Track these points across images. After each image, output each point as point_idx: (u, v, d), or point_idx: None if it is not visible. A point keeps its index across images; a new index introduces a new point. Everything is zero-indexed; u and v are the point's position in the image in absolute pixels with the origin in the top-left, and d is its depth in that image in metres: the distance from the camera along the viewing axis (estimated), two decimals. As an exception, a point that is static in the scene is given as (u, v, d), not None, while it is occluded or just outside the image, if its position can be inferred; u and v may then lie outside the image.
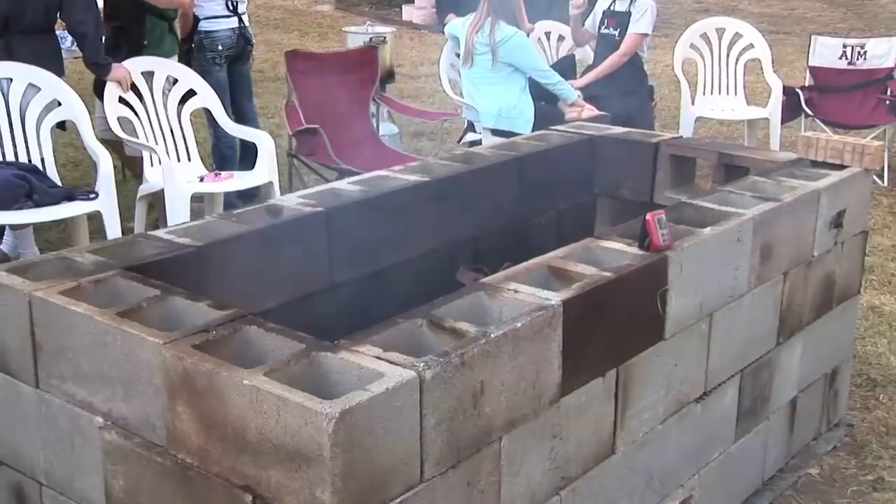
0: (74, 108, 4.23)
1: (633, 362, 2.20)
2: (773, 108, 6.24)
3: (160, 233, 2.37)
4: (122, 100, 4.49)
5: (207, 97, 4.73)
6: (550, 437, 2.00)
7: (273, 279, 2.45)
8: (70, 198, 4.04)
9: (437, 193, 2.85)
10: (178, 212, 4.18)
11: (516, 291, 2.01)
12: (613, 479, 2.21)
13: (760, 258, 2.57)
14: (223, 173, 4.59)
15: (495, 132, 5.52)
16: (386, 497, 1.65)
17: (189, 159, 4.68)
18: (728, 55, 6.57)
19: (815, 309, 2.89)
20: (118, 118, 4.46)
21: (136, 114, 4.55)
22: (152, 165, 4.51)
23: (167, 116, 4.64)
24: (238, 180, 4.53)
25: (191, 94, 4.72)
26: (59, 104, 4.24)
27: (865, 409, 3.43)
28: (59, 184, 4.24)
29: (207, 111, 4.82)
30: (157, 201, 4.53)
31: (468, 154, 3.17)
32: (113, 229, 4.01)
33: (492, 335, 1.80)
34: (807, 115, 6.33)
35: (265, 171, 4.49)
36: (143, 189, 4.50)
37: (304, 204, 2.58)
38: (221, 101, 4.77)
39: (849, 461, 3.11)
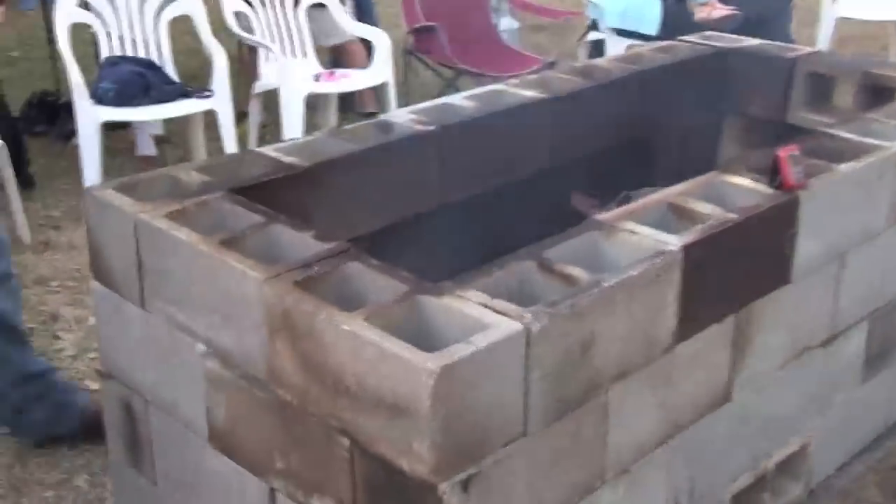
0: (192, 2, 4.19)
1: (755, 307, 2.07)
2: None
3: (268, 150, 2.31)
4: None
5: (325, -8, 4.64)
6: (663, 385, 1.91)
7: (382, 199, 2.38)
8: (186, 95, 4.03)
9: (555, 111, 2.71)
10: (293, 112, 4.14)
11: (633, 232, 1.89)
12: (727, 427, 2.11)
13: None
14: (338, 71, 4.52)
15: (620, 32, 5.30)
16: (487, 450, 1.59)
17: (305, 55, 4.62)
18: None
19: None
20: (234, 13, 4.41)
21: (251, 5, 4.49)
22: (267, 61, 4.46)
23: (283, 11, 4.57)
24: (353, 79, 4.46)
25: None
26: (177, -3, 4.21)
27: None
28: (176, 79, 4.24)
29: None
30: (271, 99, 4.50)
31: (588, 67, 3.01)
32: (228, 128, 4.00)
33: (605, 284, 1.70)
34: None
35: (380, 70, 4.40)
36: (259, 87, 4.46)
37: (416, 121, 2.48)
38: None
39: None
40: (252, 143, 4.50)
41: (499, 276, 1.74)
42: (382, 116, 2.55)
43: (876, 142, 2.35)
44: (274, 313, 1.69)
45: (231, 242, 1.85)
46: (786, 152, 2.06)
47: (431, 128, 2.45)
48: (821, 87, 3.14)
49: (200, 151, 4.26)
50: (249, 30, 4.42)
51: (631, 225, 1.92)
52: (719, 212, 1.98)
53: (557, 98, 2.72)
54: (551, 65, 5.43)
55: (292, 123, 4.08)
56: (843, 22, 6.11)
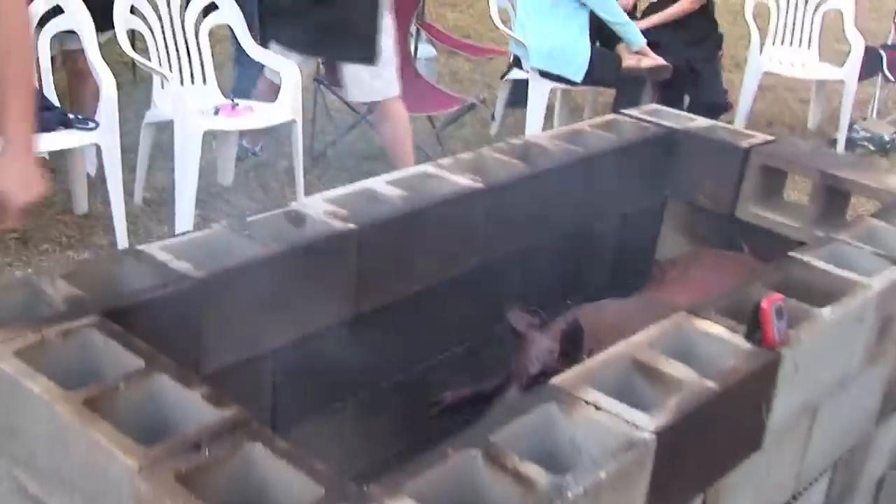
0: (77, 17, 3.73)
1: (725, 482, 1.78)
2: (851, 70, 5.66)
3: (155, 249, 1.92)
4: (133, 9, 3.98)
5: (229, 11, 4.21)
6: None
7: (290, 311, 2.02)
8: (66, 124, 3.57)
9: (490, 202, 2.39)
10: (188, 149, 3.71)
11: (597, 408, 1.57)
12: None
13: (878, 336, 2.13)
14: (242, 104, 4.10)
15: (543, 74, 5.02)
16: None
17: (204, 82, 4.19)
18: (806, 2, 5.98)
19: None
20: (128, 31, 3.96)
21: (147, 23, 4.05)
22: (163, 88, 4.02)
23: (183, 31, 4.13)
24: (257, 115, 4.05)
25: (212, 7, 4.21)
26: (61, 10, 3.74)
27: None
28: (57, 104, 3.77)
29: (230, 28, 4.31)
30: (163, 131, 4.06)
31: (527, 146, 2.68)
32: (113, 167, 3.55)
33: (569, 493, 1.38)
34: (887, 80, 5.77)
35: (288, 106, 4.00)
36: (150, 116, 4.02)
37: (333, 215, 2.12)
38: (247, 19, 4.25)
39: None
40: (138, 187, 4.07)
41: (437, 474, 1.40)
42: (294, 205, 2.17)
43: (855, 276, 2.08)
44: (148, 518, 1.31)
45: (100, 402, 1.46)
46: (769, 303, 1.77)
47: (351, 226, 2.09)
48: (772, 178, 2.89)
49: (82, 197, 3.81)
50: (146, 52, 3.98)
51: (593, 395, 1.59)
52: (694, 377, 1.67)
53: (494, 190, 2.38)
54: (472, 106, 5.12)
55: (187, 166, 3.66)
56: (766, 76, 5.95)
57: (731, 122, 5.21)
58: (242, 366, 1.97)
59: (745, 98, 5.73)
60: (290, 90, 3.96)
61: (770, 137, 2.96)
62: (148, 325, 1.70)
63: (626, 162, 2.78)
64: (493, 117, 5.52)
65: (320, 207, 2.16)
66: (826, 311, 1.94)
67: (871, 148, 6.11)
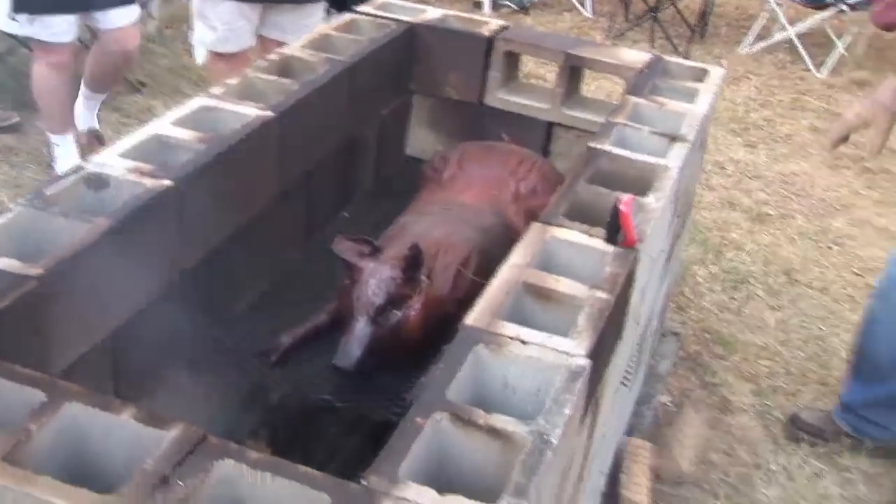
0: None
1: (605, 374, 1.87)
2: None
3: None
4: None
5: None
6: None
7: (121, 289, 1.82)
8: None
9: (280, 130, 2.25)
10: None
11: (523, 342, 1.57)
12: None
13: (675, 208, 2.30)
14: None
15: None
16: None
17: None
18: None
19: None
20: None
21: None
22: None
23: None
24: None
25: None
26: None
27: (679, 310, 3.37)
28: None
29: None
30: None
31: (286, 61, 2.54)
32: None
33: (550, 438, 1.39)
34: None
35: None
36: None
37: (139, 171, 1.91)
38: None
39: (690, 378, 3.04)
40: None
41: (420, 450, 1.35)
42: (89, 167, 1.92)
43: (655, 160, 2.21)
44: (144, 573, 1.16)
45: (19, 453, 1.26)
46: (627, 205, 1.85)
47: (167, 182, 1.90)
48: (513, 62, 2.96)
49: None
50: None
51: (512, 329, 1.59)
52: (585, 291, 1.72)
53: (283, 115, 2.25)
54: None
55: None
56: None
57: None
58: (90, 354, 1.76)
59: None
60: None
61: (505, 23, 3.02)
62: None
63: (377, 63, 2.73)
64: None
65: (119, 165, 1.93)
66: (651, 200, 2.05)
67: (514, 7, 6.40)
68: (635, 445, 2.59)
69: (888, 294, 2.72)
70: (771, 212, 4.25)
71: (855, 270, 3.86)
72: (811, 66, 6.07)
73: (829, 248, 4.03)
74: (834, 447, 2.85)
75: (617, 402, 2.20)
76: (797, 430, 2.90)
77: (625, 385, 2.27)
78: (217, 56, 3.64)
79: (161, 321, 1.94)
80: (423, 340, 2.11)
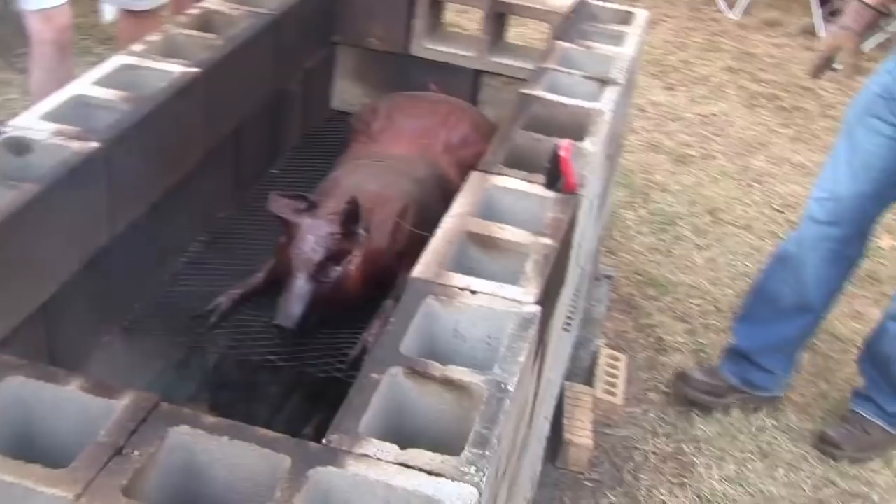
0: None
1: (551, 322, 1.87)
2: None
3: None
4: None
5: None
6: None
7: (49, 256, 1.76)
8: None
9: (208, 87, 2.19)
10: None
11: (472, 291, 1.56)
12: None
13: (609, 159, 2.30)
14: None
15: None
16: None
17: None
18: None
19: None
20: None
21: None
22: None
23: None
24: None
25: None
26: None
27: (610, 253, 3.40)
28: None
29: None
30: None
31: (208, 15, 2.46)
32: None
33: (507, 386, 1.38)
34: None
35: None
36: None
37: (63, 134, 1.84)
38: None
39: (626, 322, 3.07)
40: None
41: (377, 406, 1.33)
42: (9, 131, 1.84)
43: (587, 104, 2.21)
44: (104, 546, 1.13)
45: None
46: (567, 151, 1.84)
47: (94, 144, 1.83)
48: (436, 9, 2.93)
49: None
50: None
51: (460, 280, 1.58)
52: (529, 237, 1.71)
53: (209, 71, 2.18)
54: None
55: None
56: None
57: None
58: (22, 326, 1.70)
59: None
60: None
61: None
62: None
63: (300, 15, 2.66)
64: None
65: (42, 128, 1.86)
66: (588, 144, 2.05)
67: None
68: (576, 391, 2.62)
69: (802, 239, 2.71)
70: (693, 153, 4.30)
71: (776, 207, 3.93)
72: (724, 8, 6.14)
73: (751, 185, 4.10)
74: (731, 401, 2.80)
75: (559, 348, 2.21)
76: (688, 389, 2.81)
77: (566, 330, 2.28)
78: (128, 14, 3.52)
79: (93, 287, 1.89)
80: (363, 295, 2.10)
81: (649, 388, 2.84)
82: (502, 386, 1.37)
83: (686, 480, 2.52)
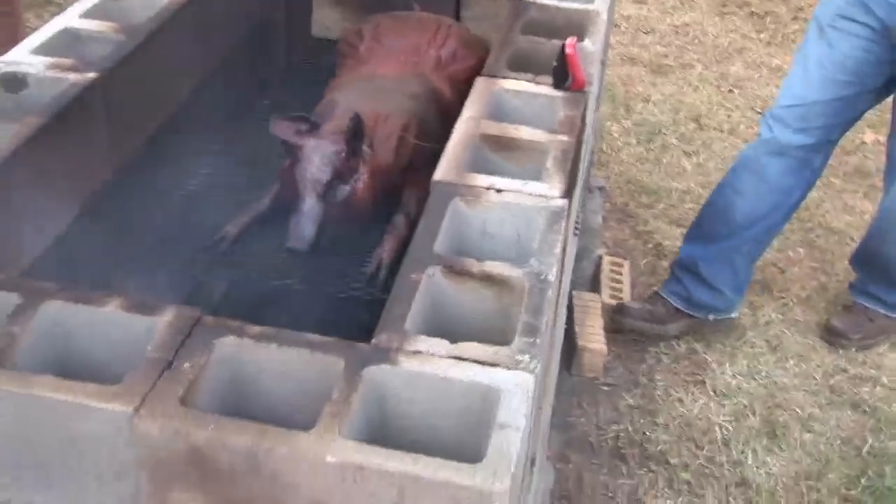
0: None
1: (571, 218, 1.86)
2: None
3: None
4: None
5: None
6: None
7: (56, 194, 1.72)
8: None
9: (198, 14, 2.14)
10: None
11: (498, 190, 1.55)
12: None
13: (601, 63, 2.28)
14: None
15: None
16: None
17: None
18: None
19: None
20: None
21: None
22: None
23: None
24: None
25: None
26: None
27: (601, 165, 3.39)
28: None
29: None
30: None
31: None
32: None
33: (548, 276, 1.37)
34: None
35: None
36: None
37: (58, 67, 1.79)
38: None
39: (623, 231, 3.07)
40: None
41: (420, 305, 1.32)
42: (4, 67, 1.79)
43: (581, 5, 2.18)
44: (167, 456, 1.12)
45: (7, 356, 1.19)
46: (573, 48, 1.81)
47: (92, 75, 1.79)
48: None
49: None
50: None
51: (483, 180, 1.57)
52: (545, 135, 1.70)
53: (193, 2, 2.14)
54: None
55: None
56: None
57: None
58: (34, 264, 1.67)
59: None
60: None
61: None
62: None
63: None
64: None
65: (35, 62, 1.81)
66: (588, 44, 2.03)
67: None
68: (584, 299, 2.62)
69: (766, 146, 2.60)
70: (670, 63, 4.28)
71: (757, 110, 3.93)
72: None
73: (731, 91, 4.09)
74: (675, 328, 2.69)
75: (570, 252, 2.21)
76: (627, 319, 2.69)
77: (575, 234, 2.27)
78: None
79: (100, 222, 1.85)
80: (372, 212, 2.07)
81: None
82: (541, 277, 1.37)
83: (700, 377, 2.54)
